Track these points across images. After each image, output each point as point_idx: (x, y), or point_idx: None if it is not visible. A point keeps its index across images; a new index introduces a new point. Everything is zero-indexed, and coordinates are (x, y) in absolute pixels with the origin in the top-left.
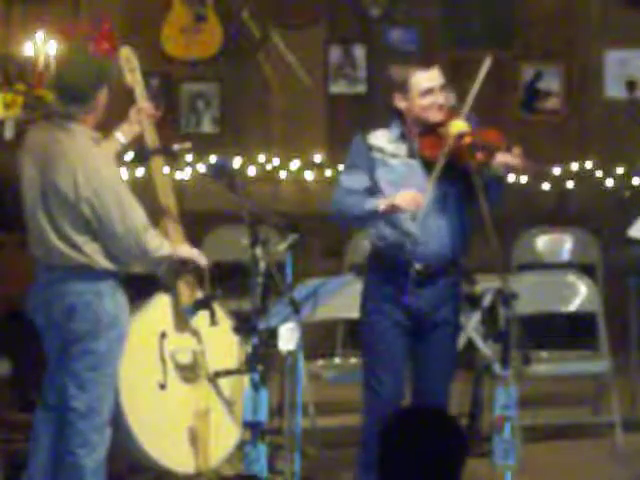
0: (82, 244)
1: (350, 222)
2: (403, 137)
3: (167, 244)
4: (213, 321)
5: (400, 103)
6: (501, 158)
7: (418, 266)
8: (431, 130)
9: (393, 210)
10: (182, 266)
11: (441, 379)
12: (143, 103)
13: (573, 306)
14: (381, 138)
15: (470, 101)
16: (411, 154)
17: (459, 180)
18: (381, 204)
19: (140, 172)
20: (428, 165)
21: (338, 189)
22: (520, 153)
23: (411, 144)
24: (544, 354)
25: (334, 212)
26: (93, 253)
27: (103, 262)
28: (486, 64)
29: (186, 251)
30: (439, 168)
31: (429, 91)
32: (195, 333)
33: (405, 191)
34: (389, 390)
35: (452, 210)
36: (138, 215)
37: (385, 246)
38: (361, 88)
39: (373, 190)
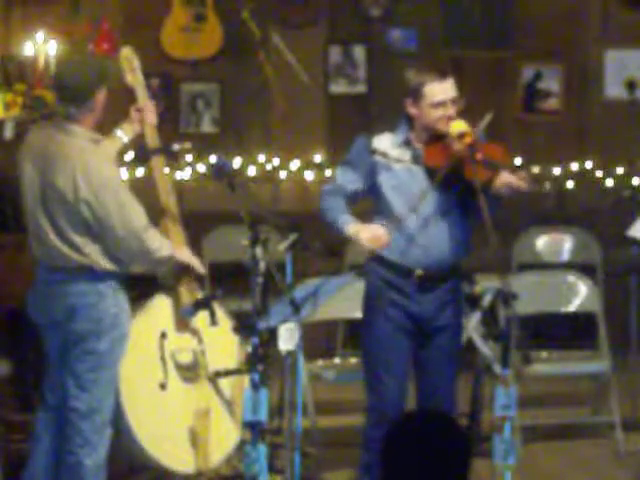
0: (82, 245)
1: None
2: (408, 142)
3: (167, 245)
4: (213, 321)
5: (411, 109)
6: (505, 179)
7: (419, 271)
8: (438, 139)
9: (356, 240)
10: (182, 270)
11: (446, 382)
12: (144, 103)
13: (573, 306)
14: (385, 142)
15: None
16: (415, 160)
17: (461, 186)
18: (349, 228)
19: (140, 172)
20: (431, 173)
21: (331, 182)
22: (525, 176)
23: (416, 150)
24: (544, 354)
25: (320, 203)
26: (93, 254)
27: (104, 263)
28: (486, 119)
29: (185, 256)
30: (440, 176)
31: (441, 104)
32: (195, 333)
33: (372, 227)
34: (392, 393)
35: (454, 216)
36: (138, 215)
37: (386, 251)
38: (361, 88)
39: (375, 194)
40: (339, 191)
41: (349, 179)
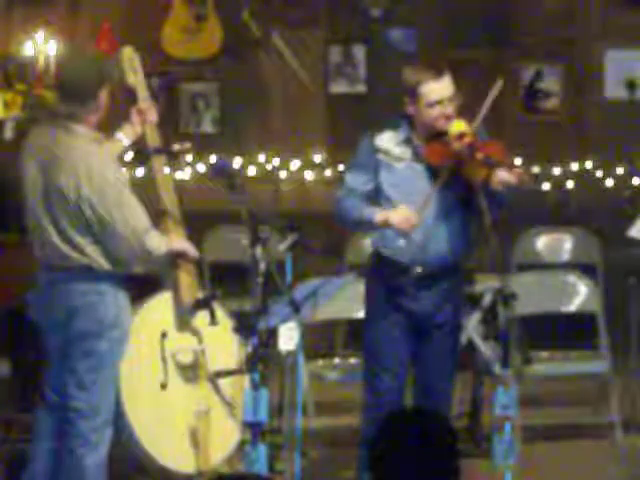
0: (84, 245)
1: (347, 225)
2: (409, 140)
3: (165, 242)
4: (213, 321)
5: (409, 108)
6: (501, 176)
7: (419, 269)
8: (438, 137)
9: (387, 225)
10: (178, 258)
11: (444, 380)
12: (145, 103)
13: (573, 306)
14: (387, 140)
15: (479, 120)
16: (416, 158)
17: (462, 185)
18: (377, 216)
19: (140, 172)
20: (433, 170)
21: (342, 188)
22: (520, 172)
23: (417, 148)
24: (544, 354)
25: (336, 211)
26: (94, 254)
27: (104, 263)
28: (496, 87)
29: (179, 243)
30: (444, 174)
31: (438, 102)
32: (196, 333)
33: (401, 209)
34: (390, 391)
35: (455, 215)
36: (140, 216)
37: (387, 249)
38: (361, 88)
39: (376, 192)
40: (352, 193)
41: (360, 181)
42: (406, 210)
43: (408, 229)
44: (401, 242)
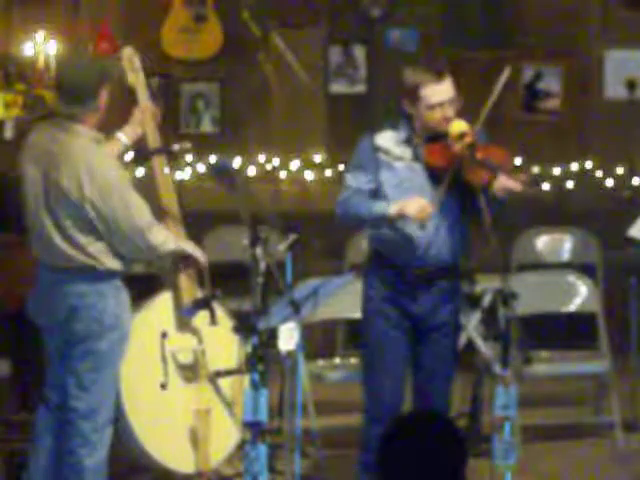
0: (86, 245)
1: (355, 223)
2: (410, 140)
3: (172, 238)
4: (213, 321)
5: (409, 109)
6: (503, 181)
7: (417, 270)
8: (438, 139)
9: (402, 217)
10: (184, 261)
11: (442, 381)
12: (145, 103)
13: (573, 306)
14: (388, 140)
15: (484, 115)
16: (416, 158)
17: (461, 186)
18: (392, 209)
19: (140, 172)
20: (432, 171)
21: (344, 189)
22: (524, 179)
23: (417, 148)
24: (544, 354)
25: (339, 212)
26: (97, 253)
27: (108, 262)
28: (505, 74)
29: (190, 247)
30: (449, 177)
31: (438, 105)
32: (196, 333)
33: (415, 198)
34: (389, 392)
35: (452, 216)
36: (143, 213)
37: (384, 249)
38: (361, 88)
39: (376, 191)
40: (357, 193)
41: (363, 181)
42: (421, 199)
43: (425, 218)
44: (419, 233)
